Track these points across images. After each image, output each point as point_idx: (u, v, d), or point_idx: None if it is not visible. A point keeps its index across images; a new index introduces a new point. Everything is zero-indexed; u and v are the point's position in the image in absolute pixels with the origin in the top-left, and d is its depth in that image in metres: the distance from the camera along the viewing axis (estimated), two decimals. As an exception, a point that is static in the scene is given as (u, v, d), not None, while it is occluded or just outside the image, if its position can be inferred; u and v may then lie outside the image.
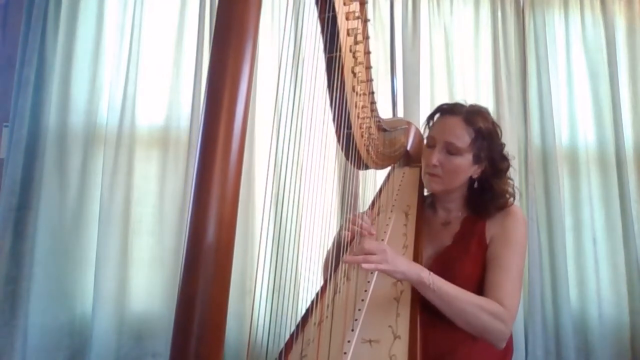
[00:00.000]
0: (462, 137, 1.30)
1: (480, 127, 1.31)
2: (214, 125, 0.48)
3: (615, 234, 2.47)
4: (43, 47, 2.25)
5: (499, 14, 2.60)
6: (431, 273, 1.12)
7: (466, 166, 1.32)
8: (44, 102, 2.24)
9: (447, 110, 1.38)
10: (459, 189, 1.38)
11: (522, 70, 2.60)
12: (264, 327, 1.00)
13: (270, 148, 1.36)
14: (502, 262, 1.24)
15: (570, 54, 2.64)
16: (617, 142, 2.53)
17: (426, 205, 1.47)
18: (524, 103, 2.56)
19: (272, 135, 2.14)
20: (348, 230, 1.26)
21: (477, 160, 1.32)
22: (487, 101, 2.53)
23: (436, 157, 1.32)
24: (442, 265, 1.20)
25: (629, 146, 2.57)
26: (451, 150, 1.31)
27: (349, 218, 1.30)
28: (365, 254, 1.07)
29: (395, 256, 1.11)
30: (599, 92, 2.60)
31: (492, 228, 1.32)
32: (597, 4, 2.66)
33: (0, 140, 2.30)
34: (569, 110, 2.61)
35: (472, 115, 1.32)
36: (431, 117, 1.43)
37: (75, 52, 2.30)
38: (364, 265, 1.07)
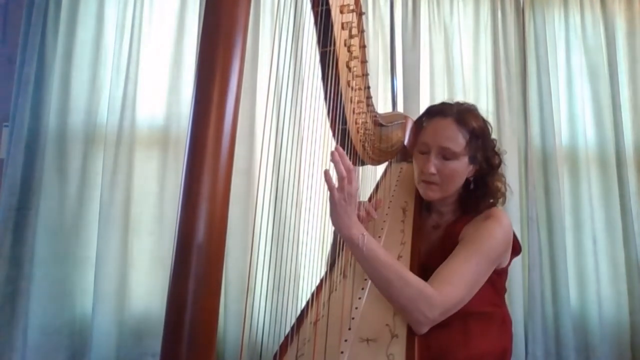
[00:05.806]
0: (457, 140, 1.25)
1: (473, 127, 1.26)
2: (203, 123, 0.46)
3: (615, 233, 2.47)
4: (43, 47, 2.25)
5: (499, 14, 2.59)
6: (369, 235, 1.05)
7: (463, 169, 1.27)
8: (44, 102, 2.23)
9: (436, 113, 1.32)
10: (455, 192, 1.33)
11: (522, 70, 2.59)
12: (263, 326, 0.99)
13: (269, 145, 1.36)
14: (459, 255, 1.15)
15: (570, 53, 2.64)
16: (617, 142, 2.53)
17: (422, 206, 1.43)
18: (524, 103, 2.56)
19: (270, 131, 2.13)
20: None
21: (472, 161, 1.28)
22: (487, 101, 2.53)
23: (433, 165, 1.26)
24: (427, 270, 1.14)
25: (629, 146, 2.57)
26: (447, 155, 1.25)
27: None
28: (344, 178, 1.00)
29: (344, 211, 1.01)
30: (599, 92, 2.59)
31: (467, 229, 1.25)
32: (597, 4, 2.66)
33: (0, 140, 2.30)
34: (568, 110, 2.61)
35: (464, 115, 1.27)
36: (420, 121, 1.38)
37: (75, 52, 2.30)
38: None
